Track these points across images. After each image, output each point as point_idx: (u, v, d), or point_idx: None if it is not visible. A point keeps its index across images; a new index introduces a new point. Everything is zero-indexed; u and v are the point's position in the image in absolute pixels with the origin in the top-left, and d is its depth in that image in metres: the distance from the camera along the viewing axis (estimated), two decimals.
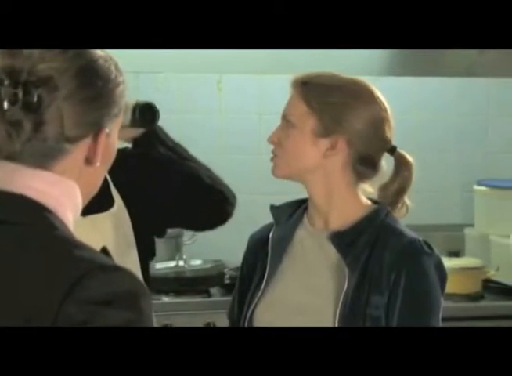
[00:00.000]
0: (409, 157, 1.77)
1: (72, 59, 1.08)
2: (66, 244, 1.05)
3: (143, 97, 3.38)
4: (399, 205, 1.77)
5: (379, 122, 1.73)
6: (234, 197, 2.03)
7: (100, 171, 1.17)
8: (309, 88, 1.71)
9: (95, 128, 1.11)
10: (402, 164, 1.76)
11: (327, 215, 1.76)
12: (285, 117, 1.74)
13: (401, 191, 1.76)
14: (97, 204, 1.38)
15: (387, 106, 1.75)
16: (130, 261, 1.81)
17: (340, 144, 1.70)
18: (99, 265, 1.01)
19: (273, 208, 1.85)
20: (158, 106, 3.42)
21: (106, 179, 1.91)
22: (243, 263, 1.91)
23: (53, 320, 0.96)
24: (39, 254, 1.02)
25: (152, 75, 3.37)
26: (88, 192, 1.16)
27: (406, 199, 1.78)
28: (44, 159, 1.09)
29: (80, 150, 1.11)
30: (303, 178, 1.75)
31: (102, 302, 0.98)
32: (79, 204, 1.14)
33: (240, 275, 1.91)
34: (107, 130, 1.13)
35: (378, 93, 1.74)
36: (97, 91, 1.11)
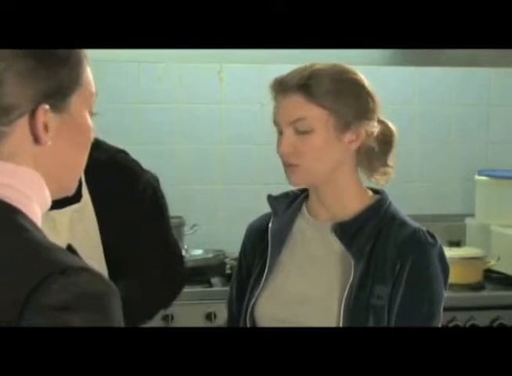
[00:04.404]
0: (391, 125, 1.76)
1: None
2: (29, 246, 0.99)
3: (144, 87, 3.39)
4: (381, 171, 1.76)
5: (375, 101, 1.72)
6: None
7: (65, 151, 1.08)
8: (314, 89, 1.65)
9: (30, 105, 1.04)
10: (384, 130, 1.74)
11: (331, 206, 1.75)
12: (293, 124, 1.66)
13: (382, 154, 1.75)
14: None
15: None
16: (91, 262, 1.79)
17: (361, 131, 1.69)
18: (62, 267, 0.95)
19: (270, 198, 1.84)
20: (159, 96, 3.44)
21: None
22: (241, 253, 1.90)
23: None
24: (1, 259, 0.96)
25: (153, 65, 3.36)
26: (57, 176, 1.09)
27: (390, 168, 1.76)
28: None
29: (20, 130, 1.04)
30: (325, 179, 1.71)
31: (62, 307, 0.93)
32: (45, 193, 1.07)
33: (239, 265, 1.90)
34: (46, 106, 1.04)
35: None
36: (32, 64, 1.03)
